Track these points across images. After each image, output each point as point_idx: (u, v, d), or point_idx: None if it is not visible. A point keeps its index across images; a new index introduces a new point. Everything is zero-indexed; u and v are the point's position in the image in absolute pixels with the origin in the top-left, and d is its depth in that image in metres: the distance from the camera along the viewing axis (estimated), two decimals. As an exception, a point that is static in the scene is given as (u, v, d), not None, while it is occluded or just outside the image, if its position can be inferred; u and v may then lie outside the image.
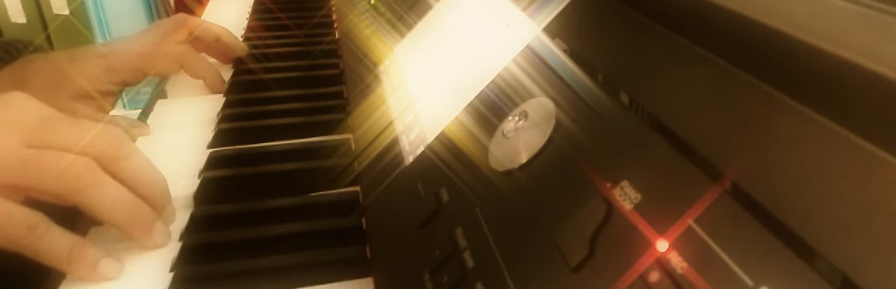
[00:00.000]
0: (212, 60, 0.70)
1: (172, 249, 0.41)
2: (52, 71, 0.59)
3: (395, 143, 0.44)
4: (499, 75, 0.37)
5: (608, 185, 0.25)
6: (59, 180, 0.37)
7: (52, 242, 0.37)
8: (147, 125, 0.58)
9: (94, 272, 0.38)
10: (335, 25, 0.83)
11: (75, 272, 0.38)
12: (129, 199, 0.39)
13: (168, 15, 1.82)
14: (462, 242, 0.31)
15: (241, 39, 0.79)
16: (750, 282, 0.18)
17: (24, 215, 0.37)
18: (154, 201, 0.41)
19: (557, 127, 0.29)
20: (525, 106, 0.33)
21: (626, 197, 0.24)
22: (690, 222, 0.21)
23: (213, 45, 0.71)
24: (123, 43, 0.64)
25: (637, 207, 0.23)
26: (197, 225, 0.43)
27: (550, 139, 0.29)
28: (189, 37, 0.67)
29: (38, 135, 0.39)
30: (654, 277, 0.21)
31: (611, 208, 0.24)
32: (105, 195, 0.38)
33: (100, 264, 0.38)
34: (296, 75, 0.68)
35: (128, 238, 0.41)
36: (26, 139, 0.38)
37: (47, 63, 0.60)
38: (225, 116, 0.59)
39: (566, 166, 0.28)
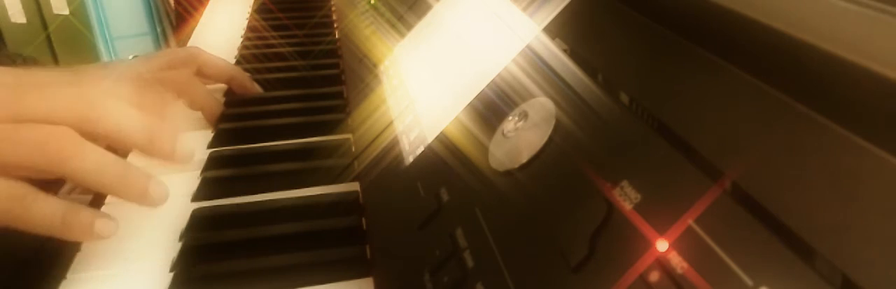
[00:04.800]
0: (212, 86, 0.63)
1: (172, 249, 0.41)
2: None
3: (395, 143, 0.44)
4: (499, 75, 0.37)
5: (608, 185, 0.25)
6: (39, 154, 0.36)
7: (42, 209, 0.36)
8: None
9: (91, 234, 0.37)
10: (335, 25, 0.83)
11: (72, 237, 0.37)
12: (116, 162, 0.38)
13: (168, 15, 1.81)
14: (462, 242, 0.31)
15: (241, 39, 0.79)
16: (750, 282, 0.18)
17: (6, 187, 0.36)
18: (156, 147, 0.40)
19: (557, 127, 0.29)
20: (525, 106, 0.33)
21: (626, 197, 0.24)
22: (690, 222, 0.21)
23: (224, 84, 0.63)
24: (118, 68, 0.57)
25: (637, 208, 0.23)
26: (197, 225, 0.43)
27: (550, 139, 0.29)
28: (197, 74, 0.59)
29: (6, 109, 0.37)
30: (654, 277, 0.21)
31: (611, 208, 0.24)
32: (90, 163, 0.37)
33: (95, 225, 0.37)
34: (296, 75, 0.68)
35: (125, 201, 0.40)
36: None
37: None
38: (225, 116, 0.59)
39: (566, 166, 0.28)
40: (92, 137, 0.38)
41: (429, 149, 0.39)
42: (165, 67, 0.57)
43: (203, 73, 0.60)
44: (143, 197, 0.40)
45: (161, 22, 1.80)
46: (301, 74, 0.68)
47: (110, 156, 0.38)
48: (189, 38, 0.83)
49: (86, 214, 0.38)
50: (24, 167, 0.37)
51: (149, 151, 0.40)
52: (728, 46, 0.24)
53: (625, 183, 0.24)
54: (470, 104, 0.38)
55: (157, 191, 0.40)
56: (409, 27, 0.56)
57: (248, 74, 0.64)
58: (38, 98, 0.38)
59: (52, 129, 0.37)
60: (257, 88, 0.64)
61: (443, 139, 0.38)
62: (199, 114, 0.58)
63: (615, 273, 0.22)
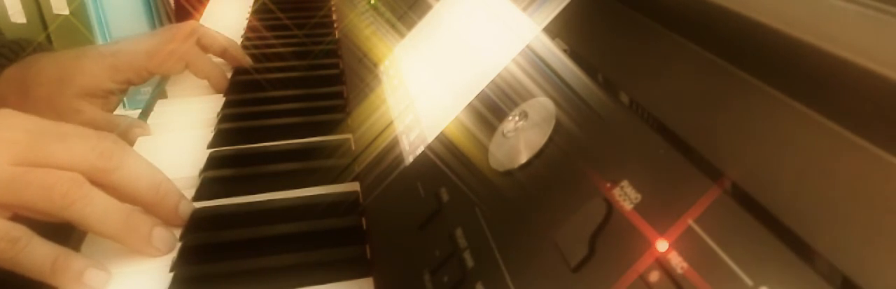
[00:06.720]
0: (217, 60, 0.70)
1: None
2: (57, 69, 0.59)
3: (395, 143, 0.44)
4: (499, 75, 0.37)
5: (608, 185, 0.25)
6: (45, 198, 0.37)
7: (34, 254, 0.36)
8: (148, 125, 0.58)
9: (80, 284, 0.37)
10: (335, 25, 0.83)
11: (60, 284, 0.37)
12: (120, 210, 0.39)
13: (168, 15, 1.81)
14: (462, 242, 0.31)
15: (241, 40, 0.79)
16: (750, 282, 0.18)
17: (5, 229, 0.36)
18: (159, 206, 0.41)
19: (557, 127, 0.29)
20: (525, 106, 0.33)
21: (626, 197, 0.24)
22: (690, 221, 0.21)
23: (218, 55, 0.70)
24: (130, 42, 0.63)
25: (637, 208, 0.23)
26: (197, 225, 0.43)
27: (550, 139, 0.29)
28: (196, 44, 0.66)
29: (25, 153, 0.38)
30: (654, 277, 0.21)
31: (611, 208, 0.24)
32: (94, 209, 0.38)
33: (85, 274, 0.37)
34: (296, 75, 0.68)
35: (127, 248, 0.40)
36: (13, 158, 0.38)
37: (52, 61, 0.60)
38: (225, 116, 0.59)
39: (566, 166, 0.28)
40: (102, 186, 0.39)
41: (429, 149, 0.39)
42: (170, 39, 0.64)
43: (201, 43, 0.67)
44: (147, 245, 0.40)
45: (161, 22, 1.80)
46: (301, 74, 0.68)
47: (115, 203, 0.39)
48: (189, 38, 0.83)
49: (77, 262, 0.38)
50: (30, 209, 0.38)
51: (153, 207, 0.40)
52: (728, 46, 0.24)
53: (625, 183, 0.24)
54: (470, 104, 0.38)
55: (161, 240, 0.40)
56: (409, 27, 0.56)
57: (240, 47, 0.72)
58: (57, 146, 0.39)
59: (60, 174, 0.37)
60: (248, 60, 0.71)
61: (443, 139, 0.38)
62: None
63: (615, 273, 0.22)
